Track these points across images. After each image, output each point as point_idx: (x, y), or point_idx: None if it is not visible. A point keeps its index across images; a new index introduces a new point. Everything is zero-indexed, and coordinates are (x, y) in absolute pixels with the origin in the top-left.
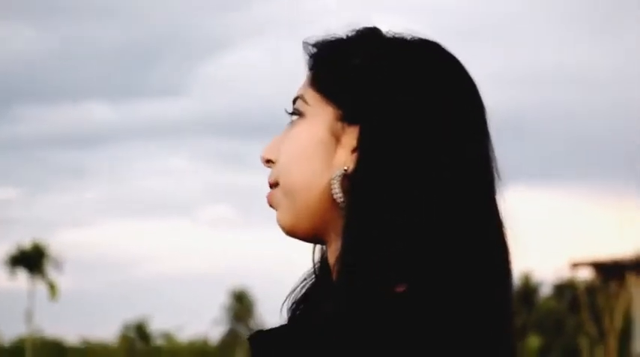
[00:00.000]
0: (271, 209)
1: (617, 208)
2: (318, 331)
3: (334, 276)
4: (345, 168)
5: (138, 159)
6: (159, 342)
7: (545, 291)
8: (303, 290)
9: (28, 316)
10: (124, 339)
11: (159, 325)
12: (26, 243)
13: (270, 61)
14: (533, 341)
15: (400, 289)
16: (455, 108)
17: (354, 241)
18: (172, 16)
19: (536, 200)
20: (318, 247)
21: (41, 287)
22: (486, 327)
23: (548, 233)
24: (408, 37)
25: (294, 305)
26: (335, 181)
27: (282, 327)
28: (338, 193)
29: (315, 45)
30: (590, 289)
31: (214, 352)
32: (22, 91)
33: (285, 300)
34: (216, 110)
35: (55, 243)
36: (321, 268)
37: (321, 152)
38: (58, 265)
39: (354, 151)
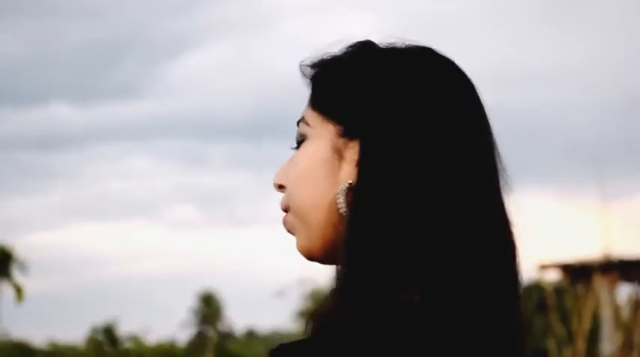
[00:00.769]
0: (233, 209)
1: (584, 209)
2: (337, 343)
3: (337, 284)
4: (350, 182)
5: (102, 160)
6: (127, 345)
7: None
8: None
9: None
10: (92, 342)
11: (127, 327)
12: None
13: (234, 61)
14: None
15: (415, 297)
16: (454, 113)
17: (356, 251)
18: (135, 17)
19: None
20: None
21: (7, 290)
22: (500, 335)
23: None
24: (402, 46)
25: (314, 320)
26: (340, 195)
27: (303, 341)
28: (343, 207)
29: (312, 66)
30: (558, 290)
31: (182, 354)
32: None
33: (309, 317)
34: (180, 111)
35: (21, 245)
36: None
37: (325, 171)
38: (24, 267)
39: (357, 164)
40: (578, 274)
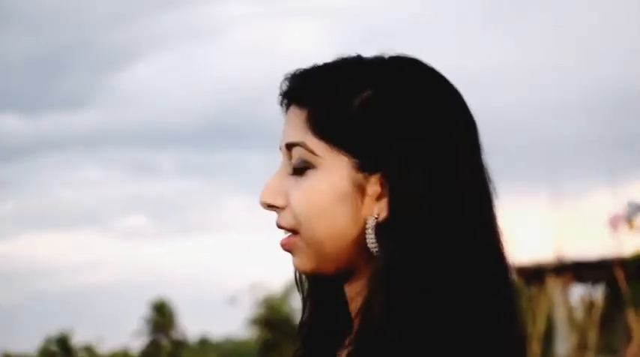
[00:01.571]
0: (184, 217)
1: (535, 210)
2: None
3: (362, 309)
4: (376, 216)
5: (51, 170)
6: (80, 355)
7: None
8: (315, 319)
9: None
10: (46, 352)
11: (80, 337)
12: None
13: (181, 70)
14: None
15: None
16: (463, 135)
17: (400, 278)
18: (81, 27)
19: None
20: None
21: None
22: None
23: None
24: (397, 63)
25: (309, 334)
26: (370, 232)
27: None
28: (373, 243)
29: (305, 88)
30: None
31: None
32: None
33: (300, 330)
34: (128, 120)
35: None
36: (326, 296)
37: (346, 206)
38: None
39: (379, 197)
40: (531, 275)
